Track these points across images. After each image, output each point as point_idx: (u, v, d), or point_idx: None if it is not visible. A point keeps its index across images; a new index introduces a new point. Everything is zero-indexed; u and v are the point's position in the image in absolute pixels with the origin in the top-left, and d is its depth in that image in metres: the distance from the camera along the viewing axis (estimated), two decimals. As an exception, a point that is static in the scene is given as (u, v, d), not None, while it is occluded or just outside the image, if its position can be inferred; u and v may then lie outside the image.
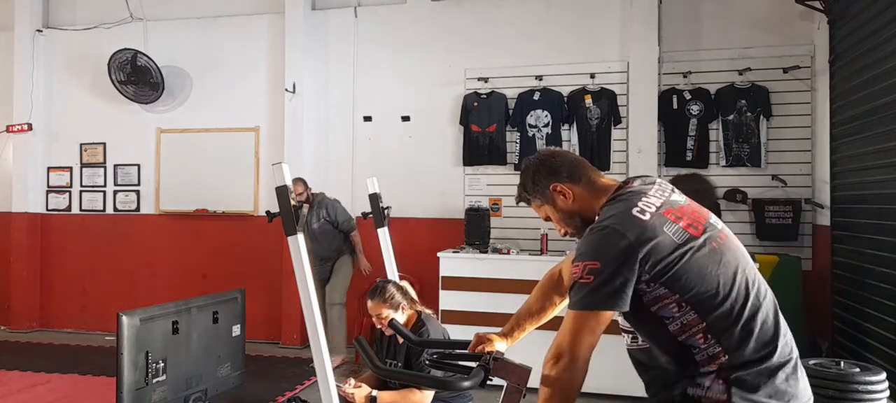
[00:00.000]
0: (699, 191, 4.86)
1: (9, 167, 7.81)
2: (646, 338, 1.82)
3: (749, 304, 1.70)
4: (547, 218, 2.01)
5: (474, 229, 5.92)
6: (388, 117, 6.85)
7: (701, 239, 1.73)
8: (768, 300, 1.76)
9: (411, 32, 6.81)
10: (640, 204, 1.75)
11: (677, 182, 4.87)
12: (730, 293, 1.70)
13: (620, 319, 1.86)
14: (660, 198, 1.80)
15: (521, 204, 2.07)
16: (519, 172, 2.09)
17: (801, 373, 1.76)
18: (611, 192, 1.88)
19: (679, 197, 1.85)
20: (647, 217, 1.73)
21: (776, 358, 1.70)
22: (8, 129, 7.68)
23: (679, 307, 1.70)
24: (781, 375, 1.69)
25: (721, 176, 6.09)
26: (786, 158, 5.97)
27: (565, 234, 2.00)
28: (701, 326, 1.69)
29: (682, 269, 1.69)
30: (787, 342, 1.74)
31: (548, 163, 1.96)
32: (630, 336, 1.89)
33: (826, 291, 5.65)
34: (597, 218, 1.83)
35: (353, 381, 3.18)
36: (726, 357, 1.68)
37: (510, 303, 4.94)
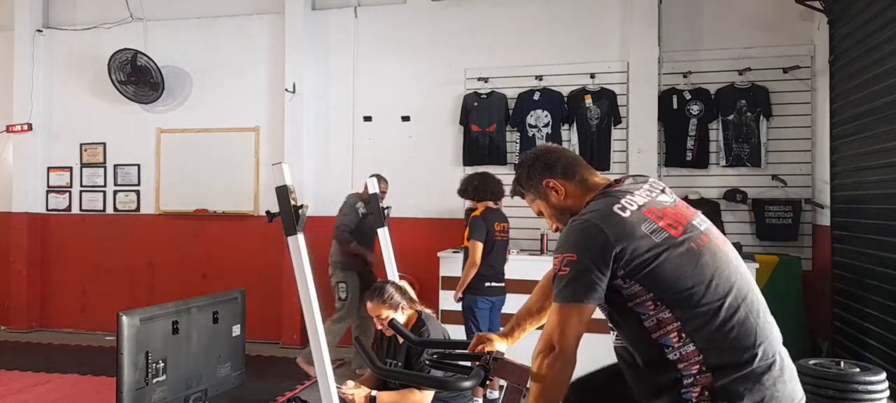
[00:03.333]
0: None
1: (9, 167, 7.80)
2: (623, 334, 1.83)
3: (725, 306, 1.70)
4: (539, 213, 2.05)
5: (474, 229, 5.91)
6: (388, 117, 6.85)
7: (679, 239, 1.74)
8: (748, 302, 1.74)
9: (411, 32, 6.81)
10: (622, 201, 1.77)
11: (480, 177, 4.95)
12: (705, 294, 1.70)
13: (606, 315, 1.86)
14: (645, 197, 1.81)
15: (516, 197, 2.12)
16: None
17: (790, 375, 1.74)
18: (600, 189, 1.89)
19: (667, 197, 1.86)
20: (626, 214, 1.74)
21: (759, 362, 1.68)
22: (8, 129, 7.67)
23: (654, 305, 1.72)
24: (768, 380, 1.68)
25: (721, 176, 6.09)
26: (786, 158, 5.97)
27: (556, 230, 2.02)
28: (675, 325, 1.70)
29: (658, 268, 1.70)
30: (770, 344, 1.72)
31: (543, 159, 2.00)
32: (615, 332, 1.89)
33: (826, 291, 5.64)
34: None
35: (351, 383, 3.17)
36: (701, 356, 1.68)
37: (510, 303, 4.98)
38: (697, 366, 1.69)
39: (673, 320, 1.70)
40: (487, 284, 4.82)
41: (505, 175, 6.42)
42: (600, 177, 1.98)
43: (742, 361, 1.67)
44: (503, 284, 4.94)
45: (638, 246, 1.70)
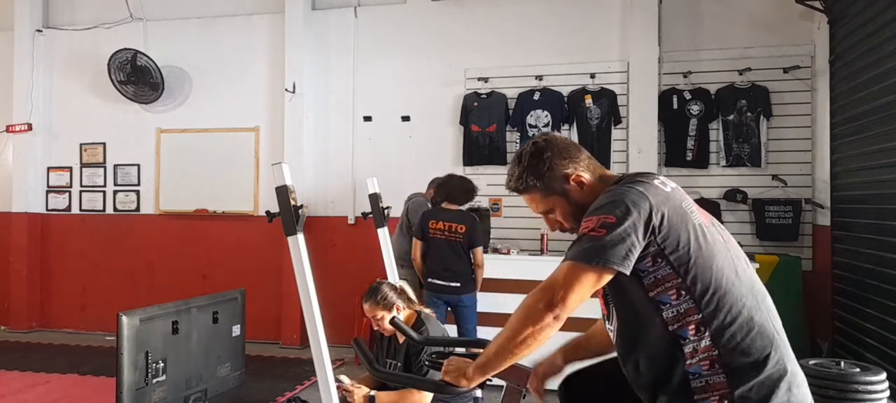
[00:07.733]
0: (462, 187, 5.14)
1: (9, 167, 7.80)
2: (634, 324, 1.75)
3: (746, 305, 1.66)
4: (546, 212, 1.90)
5: (474, 229, 5.93)
6: (388, 117, 6.85)
7: (711, 230, 1.73)
8: (767, 304, 1.71)
9: (411, 32, 6.81)
10: (658, 179, 1.75)
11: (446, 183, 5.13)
12: (730, 288, 1.66)
13: (609, 309, 1.81)
14: (669, 184, 1.78)
15: (514, 193, 1.94)
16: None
17: (802, 380, 1.68)
18: (613, 181, 1.83)
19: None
20: (668, 189, 1.73)
21: (775, 367, 1.62)
22: (8, 129, 7.68)
23: (678, 294, 1.65)
24: (784, 386, 1.62)
25: (721, 176, 6.09)
26: (786, 158, 5.97)
27: (564, 230, 1.90)
28: (696, 318, 1.64)
29: (694, 252, 1.65)
30: (787, 349, 1.68)
31: (561, 149, 1.84)
32: (612, 325, 1.84)
33: (826, 291, 5.64)
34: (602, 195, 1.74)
35: (345, 379, 3.15)
36: (717, 352, 1.62)
37: (510, 303, 4.96)
38: (709, 363, 1.62)
39: (694, 311, 1.64)
40: (430, 280, 5.01)
41: (504, 176, 6.43)
42: (610, 171, 1.90)
43: (758, 363, 1.61)
44: (456, 283, 5.00)
45: (680, 221, 1.65)
